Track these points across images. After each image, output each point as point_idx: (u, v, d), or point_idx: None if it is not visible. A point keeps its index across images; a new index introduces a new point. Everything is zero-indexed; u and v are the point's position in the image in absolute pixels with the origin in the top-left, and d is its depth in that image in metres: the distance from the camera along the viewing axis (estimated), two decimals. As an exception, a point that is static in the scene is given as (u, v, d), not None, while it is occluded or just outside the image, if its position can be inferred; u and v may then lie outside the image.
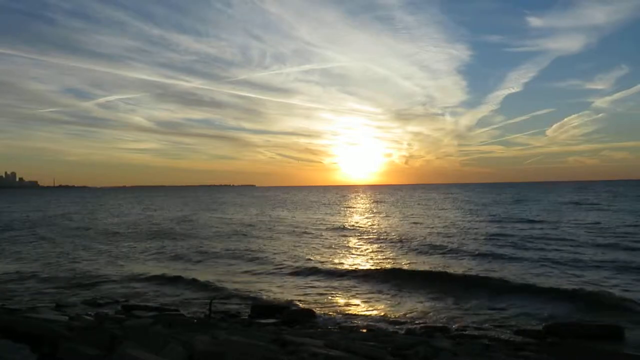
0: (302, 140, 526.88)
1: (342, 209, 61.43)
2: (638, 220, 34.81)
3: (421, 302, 13.33)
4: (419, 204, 69.08)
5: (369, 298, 14.09)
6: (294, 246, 25.13)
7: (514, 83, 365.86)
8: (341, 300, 13.80)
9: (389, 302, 13.59)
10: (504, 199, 78.85)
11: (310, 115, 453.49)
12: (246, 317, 11.89)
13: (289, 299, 13.77)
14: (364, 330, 10.61)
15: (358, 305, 13.34)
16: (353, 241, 27.31)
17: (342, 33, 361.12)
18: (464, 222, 37.23)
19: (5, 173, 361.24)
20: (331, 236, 30.07)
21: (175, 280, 16.58)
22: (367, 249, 24.35)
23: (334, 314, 12.35)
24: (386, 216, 46.95)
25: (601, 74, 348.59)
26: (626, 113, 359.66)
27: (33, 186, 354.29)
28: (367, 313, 12.47)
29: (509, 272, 16.86)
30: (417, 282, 15.83)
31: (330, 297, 14.15)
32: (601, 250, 21.04)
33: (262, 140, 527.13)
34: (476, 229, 31.50)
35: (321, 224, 38.63)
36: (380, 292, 14.74)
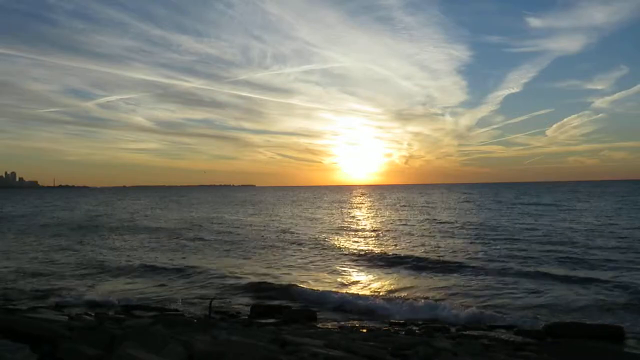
0: (302, 140, 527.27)
1: (315, 214, 53.89)
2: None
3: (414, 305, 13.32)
4: (398, 207, 65.89)
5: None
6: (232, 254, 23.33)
7: (513, 83, 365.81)
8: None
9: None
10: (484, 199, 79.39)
11: (310, 115, 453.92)
12: (246, 317, 11.88)
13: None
14: (364, 330, 10.61)
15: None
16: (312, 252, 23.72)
17: (343, 33, 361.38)
18: (418, 223, 37.50)
19: (5, 173, 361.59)
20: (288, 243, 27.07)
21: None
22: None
23: (334, 314, 12.38)
24: (355, 219, 45.71)
25: (601, 75, 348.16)
26: (626, 113, 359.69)
27: (33, 186, 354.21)
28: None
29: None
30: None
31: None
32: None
33: (262, 140, 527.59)
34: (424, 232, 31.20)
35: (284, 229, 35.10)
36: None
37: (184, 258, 21.49)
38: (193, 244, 26.77)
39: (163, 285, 16.08)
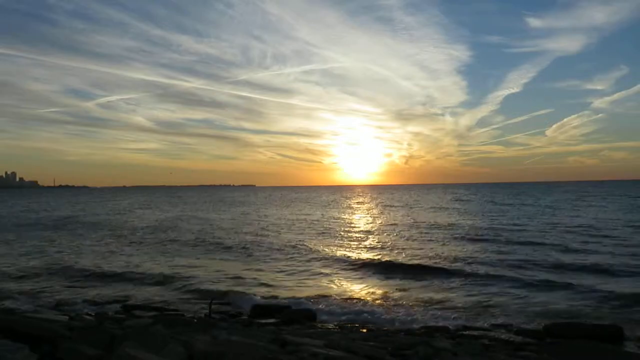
0: (302, 140, 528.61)
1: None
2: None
3: (417, 304, 13.33)
4: (390, 208, 64.29)
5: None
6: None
7: (513, 83, 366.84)
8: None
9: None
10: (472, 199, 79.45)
11: (310, 115, 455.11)
12: (246, 317, 11.89)
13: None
14: (364, 330, 10.61)
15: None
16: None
17: (343, 34, 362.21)
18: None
19: (6, 173, 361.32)
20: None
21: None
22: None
23: (334, 314, 12.37)
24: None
25: (600, 75, 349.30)
26: (625, 113, 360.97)
27: (33, 186, 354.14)
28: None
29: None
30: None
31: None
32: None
33: (262, 140, 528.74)
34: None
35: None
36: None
37: (158, 261, 20.94)
38: (174, 245, 26.38)
39: (141, 287, 15.87)
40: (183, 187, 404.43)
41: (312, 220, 42.73)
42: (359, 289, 15.48)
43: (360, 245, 25.75)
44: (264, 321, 11.28)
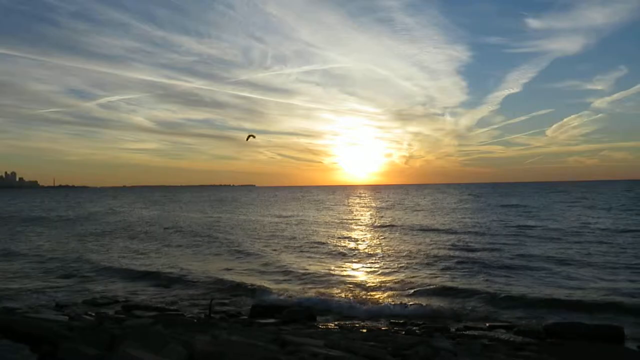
0: (303, 141, 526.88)
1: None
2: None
3: (419, 304, 13.31)
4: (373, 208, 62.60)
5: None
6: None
7: (513, 84, 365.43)
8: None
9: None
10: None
11: (310, 115, 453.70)
12: (246, 317, 11.89)
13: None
14: (364, 330, 10.61)
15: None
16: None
17: (343, 34, 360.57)
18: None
19: (5, 173, 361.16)
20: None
21: None
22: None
23: (334, 314, 12.37)
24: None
25: (600, 75, 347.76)
26: (625, 113, 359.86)
27: (33, 186, 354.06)
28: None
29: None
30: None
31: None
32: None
33: (262, 140, 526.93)
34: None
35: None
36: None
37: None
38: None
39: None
40: (183, 187, 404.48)
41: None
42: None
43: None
44: (264, 321, 11.28)
